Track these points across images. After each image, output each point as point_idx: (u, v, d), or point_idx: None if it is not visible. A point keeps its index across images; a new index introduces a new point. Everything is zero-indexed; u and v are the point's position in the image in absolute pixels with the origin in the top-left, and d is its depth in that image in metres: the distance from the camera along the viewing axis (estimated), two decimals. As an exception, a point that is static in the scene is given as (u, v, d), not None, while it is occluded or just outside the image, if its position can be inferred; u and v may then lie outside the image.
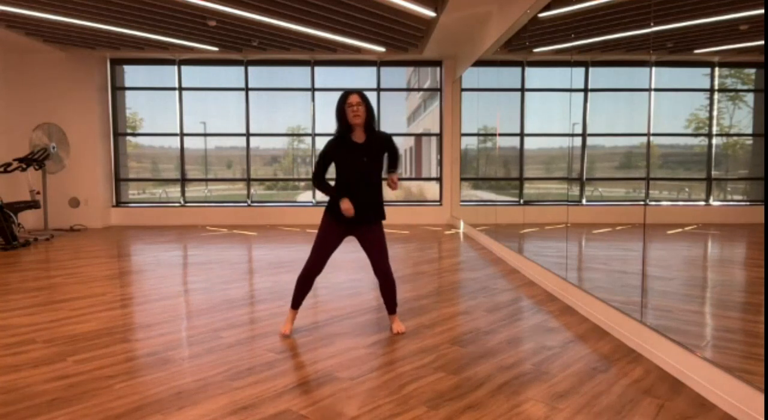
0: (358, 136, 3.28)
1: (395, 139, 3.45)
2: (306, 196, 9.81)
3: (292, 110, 9.56)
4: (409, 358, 2.99)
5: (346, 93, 3.23)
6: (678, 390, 2.56)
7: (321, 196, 9.54)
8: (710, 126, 3.02)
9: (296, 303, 3.43)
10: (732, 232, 3.32)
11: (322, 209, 3.43)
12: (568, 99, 4.45)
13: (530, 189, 5.93)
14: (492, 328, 3.51)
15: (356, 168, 3.25)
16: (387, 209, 3.50)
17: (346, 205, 3.18)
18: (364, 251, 3.40)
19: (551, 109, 5.25)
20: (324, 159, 3.30)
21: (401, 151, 10.02)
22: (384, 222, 3.45)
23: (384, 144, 3.34)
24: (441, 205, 9.57)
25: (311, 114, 9.39)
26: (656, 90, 3.18)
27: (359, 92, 3.24)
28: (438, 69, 9.49)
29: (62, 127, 8.63)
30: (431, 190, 9.87)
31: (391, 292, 3.43)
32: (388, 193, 9.78)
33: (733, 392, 2.31)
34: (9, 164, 7.81)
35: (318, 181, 3.33)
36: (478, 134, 7.79)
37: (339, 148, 3.27)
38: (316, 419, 2.29)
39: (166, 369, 2.84)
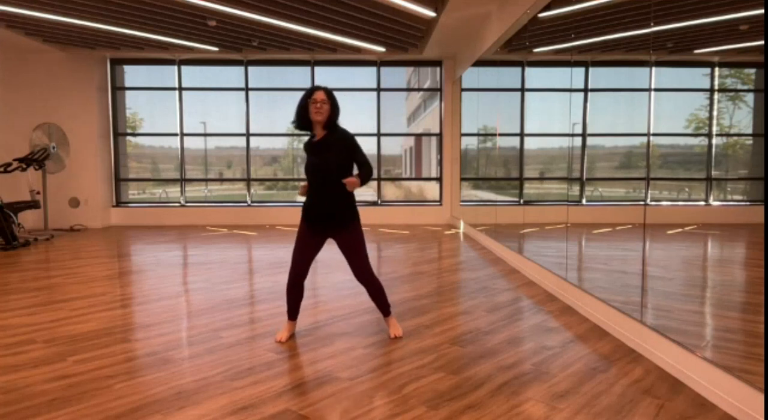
0: (317, 134, 3.22)
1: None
2: (306, 196, 9.80)
3: (292, 110, 9.50)
4: (408, 358, 2.99)
5: (313, 88, 3.17)
6: (678, 390, 2.56)
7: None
8: (710, 126, 3.02)
9: (292, 313, 3.34)
10: (732, 232, 3.33)
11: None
12: (568, 99, 4.45)
13: (530, 189, 5.93)
14: (492, 328, 3.51)
15: (310, 166, 3.18)
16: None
17: (301, 192, 3.27)
18: (343, 256, 3.30)
19: (551, 109, 5.25)
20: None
21: (401, 151, 10.04)
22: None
23: (343, 144, 3.14)
24: (441, 205, 9.57)
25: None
26: (656, 90, 3.18)
27: (326, 89, 3.16)
28: (438, 69, 9.49)
29: (62, 127, 8.63)
30: (431, 190, 9.87)
31: (379, 295, 3.33)
32: (386, 193, 9.79)
33: (733, 392, 2.31)
34: (9, 164, 7.81)
35: None
36: (478, 134, 7.80)
37: (307, 147, 3.28)
38: (315, 419, 2.29)
39: (166, 369, 2.84)
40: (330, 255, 5.65)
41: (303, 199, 3.30)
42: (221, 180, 9.91)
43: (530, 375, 2.74)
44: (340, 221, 3.20)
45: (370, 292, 3.34)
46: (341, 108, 3.24)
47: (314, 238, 3.25)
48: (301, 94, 3.29)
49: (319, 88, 3.17)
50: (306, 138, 3.36)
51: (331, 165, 3.11)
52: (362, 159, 3.19)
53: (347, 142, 3.17)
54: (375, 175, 9.24)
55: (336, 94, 3.23)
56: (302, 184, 3.29)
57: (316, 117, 3.13)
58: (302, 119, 3.21)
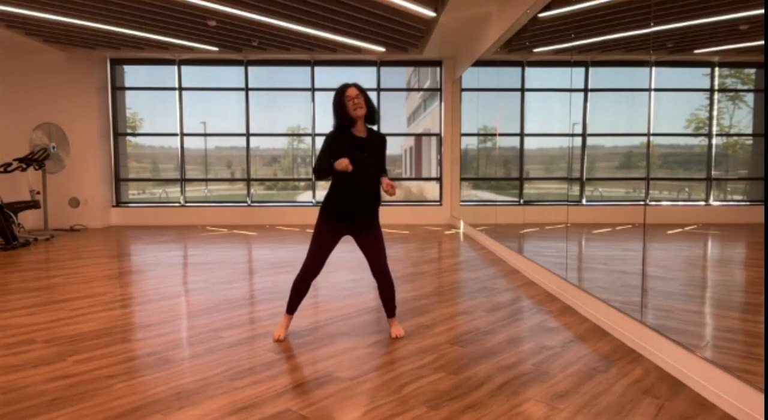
0: (360, 131, 3.16)
1: (394, 138, 3.39)
2: (306, 196, 9.81)
3: (292, 110, 9.56)
4: (409, 358, 2.99)
5: (344, 86, 3.12)
6: (678, 390, 2.56)
7: (320, 196, 9.53)
8: (710, 126, 3.02)
9: (292, 308, 3.31)
10: (732, 232, 3.33)
11: (322, 209, 3.38)
12: (568, 99, 4.45)
13: (530, 189, 5.93)
14: (492, 328, 3.51)
15: (359, 164, 3.05)
16: (387, 209, 3.45)
17: (343, 165, 2.90)
18: (362, 252, 3.29)
19: (551, 109, 5.25)
20: (328, 152, 3.07)
21: (401, 151, 10.05)
22: (383, 222, 3.37)
23: (381, 144, 3.26)
24: (441, 205, 9.57)
25: (311, 114, 9.39)
26: (656, 90, 3.18)
27: (356, 85, 3.13)
28: (438, 69, 9.49)
29: (62, 127, 8.63)
30: (431, 190, 9.87)
31: (390, 294, 3.34)
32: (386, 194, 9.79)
33: (733, 392, 2.31)
34: (9, 164, 7.81)
35: (320, 173, 3.10)
36: (478, 134, 7.80)
37: (341, 142, 3.12)
38: (315, 419, 2.29)
39: (166, 369, 2.84)
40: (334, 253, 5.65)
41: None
42: (221, 180, 9.91)
43: (530, 375, 2.74)
44: (375, 218, 3.25)
45: (384, 290, 3.33)
46: None
47: (336, 237, 3.22)
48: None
49: (348, 85, 3.13)
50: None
51: (378, 164, 3.20)
52: (384, 165, 3.29)
53: (384, 146, 3.28)
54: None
55: None
56: (345, 161, 2.92)
57: (359, 112, 3.08)
58: (345, 118, 3.12)
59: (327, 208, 3.20)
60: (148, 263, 5.87)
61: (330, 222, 3.19)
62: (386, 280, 3.32)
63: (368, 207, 3.21)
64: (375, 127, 3.30)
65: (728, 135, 2.99)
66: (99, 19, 6.71)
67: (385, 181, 3.14)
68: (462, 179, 8.98)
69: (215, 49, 8.35)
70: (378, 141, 3.24)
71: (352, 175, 3.03)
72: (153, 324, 3.64)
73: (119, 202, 9.53)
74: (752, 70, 2.92)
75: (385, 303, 3.38)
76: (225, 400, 2.47)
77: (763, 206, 2.60)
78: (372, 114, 3.17)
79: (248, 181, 9.63)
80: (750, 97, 2.91)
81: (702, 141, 3.15)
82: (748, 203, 3.04)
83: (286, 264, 5.69)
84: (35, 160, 8.11)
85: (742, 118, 2.94)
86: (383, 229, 3.39)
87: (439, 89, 9.49)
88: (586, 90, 4.29)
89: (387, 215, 9.27)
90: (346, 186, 3.12)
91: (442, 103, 9.43)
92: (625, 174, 3.96)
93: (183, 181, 9.59)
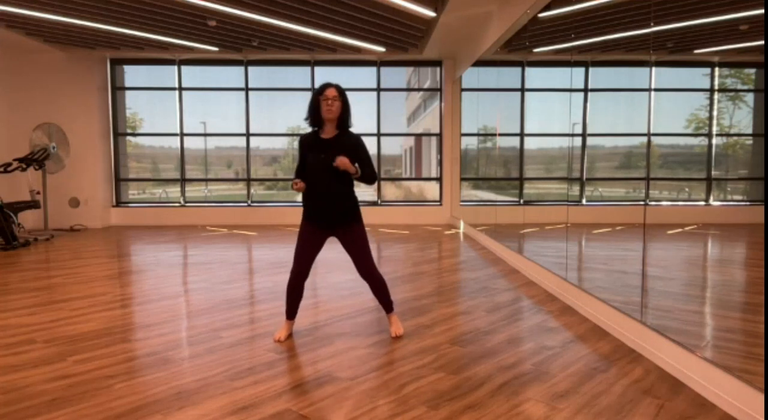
0: (328, 132, 3.19)
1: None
2: (306, 196, 9.80)
3: (292, 110, 9.56)
4: (409, 358, 2.99)
5: (325, 85, 3.13)
6: (678, 390, 2.56)
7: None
8: (710, 126, 3.02)
9: (291, 313, 3.34)
10: (732, 232, 3.33)
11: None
12: (568, 99, 4.45)
13: (530, 189, 5.93)
14: (492, 328, 3.51)
15: (316, 165, 3.12)
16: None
17: (298, 186, 3.11)
18: (347, 253, 3.30)
19: (551, 109, 5.25)
20: (300, 154, 3.25)
21: (401, 151, 10.04)
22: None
23: (353, 147, 3.19)
24: (441, 205, 9.57)
25: (311, 114, 9.38)
26: (656, 90, 3.18)
27: (337, 86, 3.13)
28: (438, 69, 9.49)
29: (62, 127, 8.63)
30: (431, 190, 9.87)
31: (381, 291, 3.35)
32: (386, 193, 9.78)
33: (733, 392, 2.31)
34: (9, 164, 7.81)
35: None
36: (478, 134, 7.80)
37: (307, 143, 3.22)
38: (315, 419, 2.29)
39: (166, 369, 2.84)
40: (330, 255, 5.65)
41: (300, 197, 3.27)
42: (221, 180, 9.91)
43: (530, 375, 2.74)
44: (347, 218, 3.22)
45: (374, 287, 3.35)
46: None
47: (318, 237, 3.24)
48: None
49: (330, 85, 3.14)
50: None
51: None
52: (368, 169, 3.23)
53: (359, 147, 3.22)
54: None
55: None
56: (297, 181, 3.13)
57: (327, 115, 3.11)
58: (315, 117, 3.17)
59: (304, 212, 3.28)
60: (148, 263, 5.87)
61: (308, 224, 3.24)
62: (374, 278, 3.32)
63: (334, 206, 3.18)
64: (354, 133, 3.28)
65: (728, 135, 2.99)
66: (99, 19, 6.71)
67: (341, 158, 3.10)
68: (462, 179, 8.98)
69: (215, 49, 8.35)
70: (349, 142, 3.19)
71: (311, 177, 3.15)
72: (153, 324, 3.64)
73: (119, 202, 9.53)
74: (752, 70, 2.92)
75: (380, 300, 3.39)
76: (225, 400, 2.47)
77: (763, 206, 2.60)
78: (344, 119, 3.17)
79: (248, 181, 9.63)
80: (750, 97, 2.91)
81: (702, 141, 3.15)
82: (748, 203, 3.04)
83: (286, 264, 5.69)
84: (35, 160, 8.11)
85: (742, 118, 2.94)
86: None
87: (439, 89, 9.49)
88: (586, 90, 4.29)
89: (387, 215, 9.29)
90: (309, 189, 3.18)
91: (442, 103, 9.43)
92: (625, 174, 3.96)
93: (183, 181, 9.59)
